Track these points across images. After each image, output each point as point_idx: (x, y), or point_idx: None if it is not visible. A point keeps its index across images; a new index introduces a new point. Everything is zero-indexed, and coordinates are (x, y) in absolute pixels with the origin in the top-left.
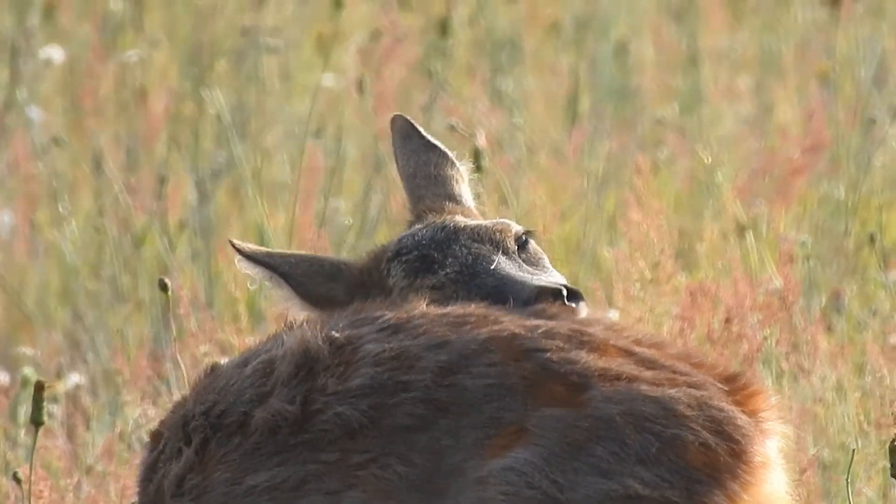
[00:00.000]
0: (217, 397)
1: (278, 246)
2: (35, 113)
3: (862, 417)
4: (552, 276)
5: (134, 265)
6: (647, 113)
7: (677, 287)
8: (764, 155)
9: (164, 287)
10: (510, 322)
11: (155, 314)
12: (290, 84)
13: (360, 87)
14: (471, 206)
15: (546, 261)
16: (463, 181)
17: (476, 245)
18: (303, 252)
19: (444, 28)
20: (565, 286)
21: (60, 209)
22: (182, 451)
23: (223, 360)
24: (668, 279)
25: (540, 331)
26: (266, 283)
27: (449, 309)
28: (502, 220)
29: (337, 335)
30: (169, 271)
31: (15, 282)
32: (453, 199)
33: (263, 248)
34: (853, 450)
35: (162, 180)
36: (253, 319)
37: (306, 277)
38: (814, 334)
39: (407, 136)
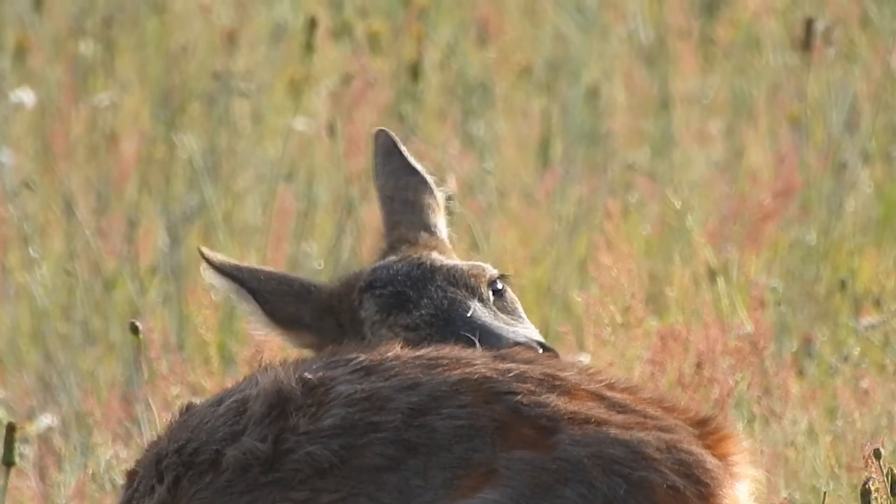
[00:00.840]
0: (190, 435)
1: None
2: (6, 156)
3: (833, 461)
4: (527, 329)
5: (105, 308)
6: (618, 157)
7: (648, 331)
8: (735, 199)
9: (135, 330)
10: (482, 365)
11: (126, 356)
12: (261, 127)
13: (332, 130)
14: (444, 237)
15: (520, 309)
16: (439, 210)
17: (452, 289)
18: (272, 269)
19: (415, 72)
20: (540, 343)
21: (31, 252)
22: (155, 489)
23: (196, 401)
24: (639, 323)
25: (511, 374)
26: (232, 296)
27: (422, 351)
28: (477, 263)
29: (310, 376)
30: (140, 314)
31: None
32: (428, 229)
33: (233, 261)
34: (824, 493)
35: (133, 224)
36: (224, 362)
37: (274, 296)
38: (785, 379)
39: (389, 154)
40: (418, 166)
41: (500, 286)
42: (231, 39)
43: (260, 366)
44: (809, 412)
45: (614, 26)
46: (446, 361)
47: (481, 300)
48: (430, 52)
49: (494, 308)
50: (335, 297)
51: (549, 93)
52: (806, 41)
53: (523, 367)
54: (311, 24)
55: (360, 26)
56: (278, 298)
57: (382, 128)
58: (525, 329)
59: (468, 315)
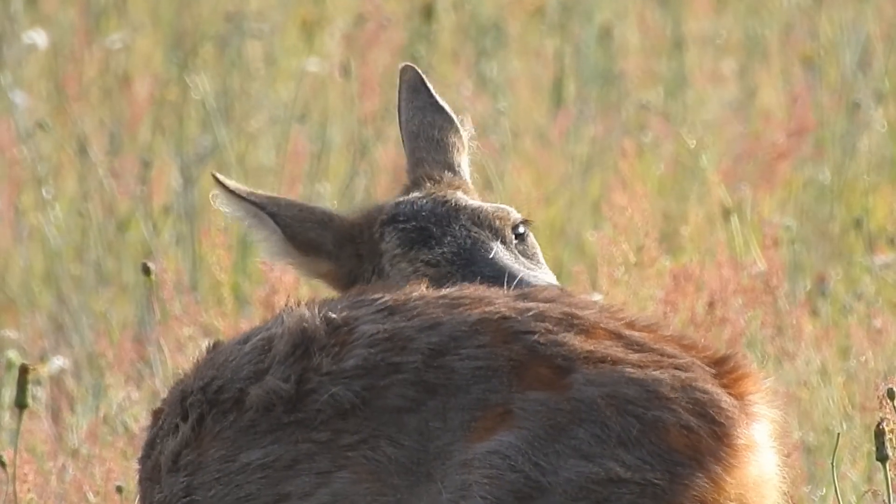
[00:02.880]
0: (215, 373)
1: None
2: (19, 97)
3: (846, 401)
4: (545, 274)
5: (118, 249)
6: (631, 97)
7: (661, 271)
8: (748, 139)
9: (147, 271)
10: (502, 304)
11: (139, 298)
12: (274, 69)
13: (345, 71)
14: (467, 178)
15: (540, 255)
16: (464, 150)
17: (476, 229)
18: (291, 198)
19: (428, 13)
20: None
21: (44, 193)
22: (179, 427)
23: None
24: (653, 263)
25: (531, 313)
26: (246, 222)
27: (446, 291)
28: (502, 206)
29: (334, 316)
30: (153, 255)
31: None
32: (452, 168)
33: (247, 187)
34: (838, 433)
35: (146, 165)
36: (237, 303)
37: (295, 220)
38: (798, 318)
39: (415, 90)
40: (445, 105)
41: (522, 230)
42: None
43: (287, 304)
44: (822, 352)
45: None
46: (468, 301)
47: (504, 242)
48: None
49: (516, 251)
50: (356, 227)
51: (562, 33)
52: None
53: (543, 306)
54: None
55: None
56: (299, 224)
57: (409, 63)
58: (544, 274)
59: (490, 256)
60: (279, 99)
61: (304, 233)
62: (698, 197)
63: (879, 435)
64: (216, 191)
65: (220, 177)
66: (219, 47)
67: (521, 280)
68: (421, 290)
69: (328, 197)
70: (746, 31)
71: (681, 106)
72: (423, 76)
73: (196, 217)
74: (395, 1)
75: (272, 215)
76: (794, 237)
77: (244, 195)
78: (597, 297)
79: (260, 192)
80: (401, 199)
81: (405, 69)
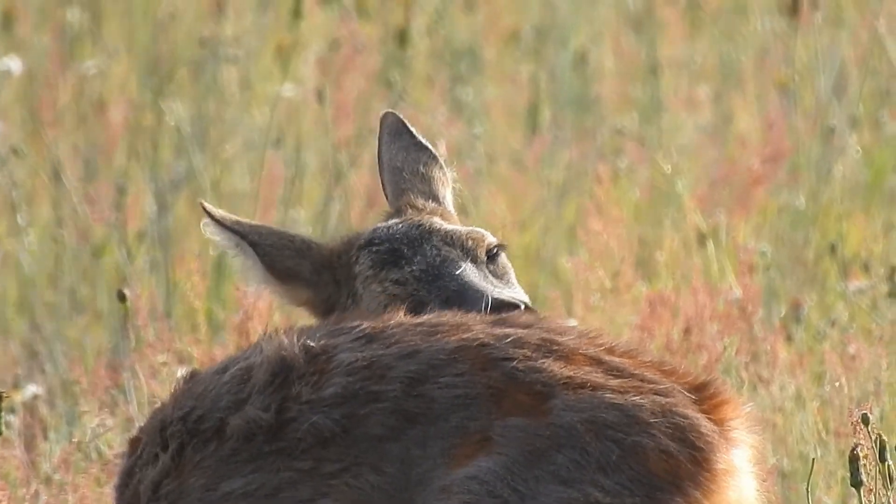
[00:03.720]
0: (195, 403)
1: None
2: None
3: (821, 427)
4: (514, 292)
5: (92, 275)
6: (606, 122)
7: (637, 297)
8: (724, 164)
9: (122, 297)
10: (481, 331)
11: (113, 324)
12: (249, 94)
13: (320, 97)
14: (451, 210)
15: (512, 276)
16: (448, 185)
17: (447, 248)
18: (273, 226)
19: (403, 38)
20: (524, 302)
21: (19, 220)
22: (159, 457)
23: (181, 371)
24: (628, 289)
25: (509, 339)
26: (231, 251)
27: (424, 318)
28: (477, 229)
29: (313, 344)
30: (127, 282)
31: None
32: (436, 199)
33: (233, 216)
34: (812, 459)
35: (121, 191)
36: (211, 329)
37: (275, 249)
38: (773, 344)
39: (397, 133)
40: (428, 144)
41: (495, 251)
42: (219, 6)
43: (265, 333)
44: (797, 377)
45: None
46: (446, 328)
47: (474, 261)
48: (417, 17)
49: (486, 271)
50: (334, 254)
51: (537, 58)
52: (793, 6)
53: (521, 332)
54: None
55: None
56: (279, 252)
57: (391, 111)
58: (511, 290)
59: (457, 272)
60: (254, 124)
61: (282, 261)
62: (674, 222)
63: (854, 460)
64: (206, 219)
65: (208, 206)
66: (194, 73)
67: (483, 294)
68: (399, 317)
69: (303, 222)
70: (721, 57)
71: (656, 131)
72: (405, 121)
73: (171, 243)
74: (370, 26)
75: (252, 244)
76: (769, 263)
77: (228, 224)
78: (572, 322)
79: (245, 221)
80: (378, 225)
81: (386, 115)
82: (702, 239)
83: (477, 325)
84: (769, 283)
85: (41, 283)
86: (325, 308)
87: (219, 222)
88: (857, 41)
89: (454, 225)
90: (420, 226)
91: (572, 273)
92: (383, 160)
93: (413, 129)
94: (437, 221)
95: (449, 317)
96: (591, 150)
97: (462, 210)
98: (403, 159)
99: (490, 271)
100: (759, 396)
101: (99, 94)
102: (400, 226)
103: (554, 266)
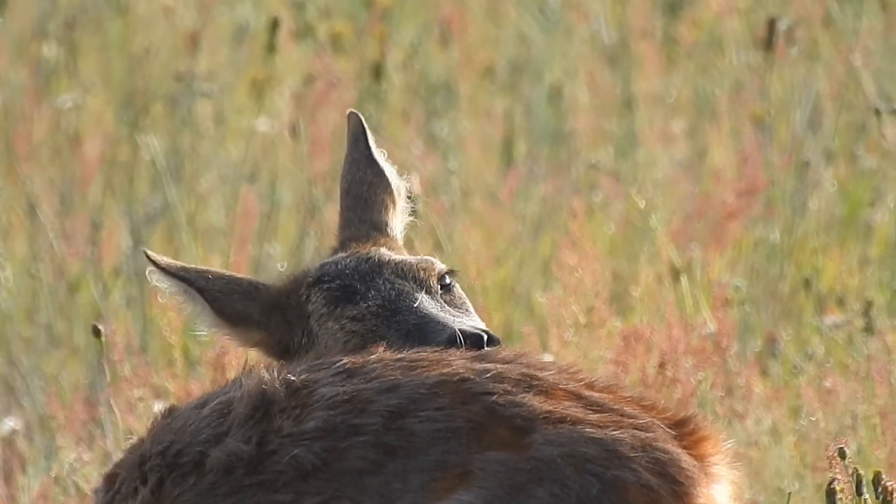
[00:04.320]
0: (174, 437)
1: None
2: None
3: (797, 461)
4: (473, 321)
5: (68, 311)
6: (581, 156)
7: (612, 332)
8: (698, 198)
9: (97, 333)
10: (461, 366)
11: (90, 360)
12: (224, 128)
13: (294, 131)
14: (396, 235)
15: (468, 304)
16: (394, 206)
17: (399, 281)
18: (219, 269)
19: (378, 72)
20: (485, 331)
21: None
22: (138, 491)
23: (157, 406)
24: (603, 324)
25: (489, 374)
26: (178, 297)
27: (404, 353)
28: (426, 257)
29: (294, 378)
30: (103, 317)
31: None
32: (379, 228)
33: (179, 263)
34: (789, 493)
35: (96, 225)
36: (187, 364)
37: (222, 294)
38: (748, 378)
39: (355, 139)
40: (379, 157)
41: (448, 280)
42: (193, 41)
43: (244, 369)
44: (773, 412)
45: (577, 26)
46: (426, 363)
47: (429, 292)
48: (393, 52)
49: (442, 301)
50: (283, 293)
51: (512, 93)
52: (769, 41)
53: (502, 367)
54: (274, 24)
55: (323, 27)
56: (226, 297)
57: (354, 111)
58: (471, 321)
59: (415, 305)
60: (229, 158)
61: (231, 305)
62: (648, 257)
63: (830, 494)
64: (151, 267)
65: (152, 254)
66: (169, 107)
67: (444, 327)
68: (379, 352)
69: (278, 257)
70: (696, 91)
71: (631, 165)
72: (365, 125)
73: (146, 279)
74: (345, 60)
75: (200, 290)
76: (744, 297)
77: (173, 271)
78: (547, 358)
79: (191, 267)
80: (325, 261)
81: (350, 115)
82: (676, 273)
83: (457, 361)
84: (744, 318)
85: (18, 317)
86: (278, 349)
87: (164, 270)
88: (833, 75)
89: (402, 255)
90: (369, 259)
91: (547, 308)
92: (342, 173)
93: (369, 137)
94: (385, 252)
95: (429, 352)
96: (566, 185)
97: (437, 245)
98: (351, 179)
99: (446, 301)
100: (734, 431)
101: (74, 128)
102: (349, 260)
103: (529, 301)
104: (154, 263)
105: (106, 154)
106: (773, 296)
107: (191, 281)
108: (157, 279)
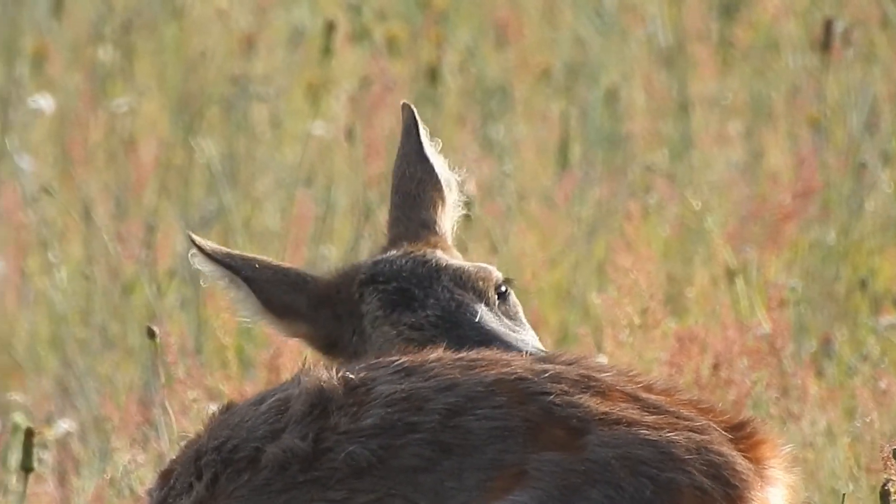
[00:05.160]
0: (230, 433)
1: None
2: (25, 162)
3: (852, 462)
4: (528, 335)
5: (123, 313)
6: (637, 159)
7: (666, 333)
8: (754, 201)
9: (151, 334)
10: (519, 366)
11: (144, 361)
12: (279, 132)
13: (350, 135)
14: (446, 234)
15: (521, 314)
16: (443, 204)
17: (459, 291)
18: (265, 258)
19: (433, 76)
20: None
21: (50, 257)
22: (193, 486)
23: (211, 407)
24: (657, 325)
25: (547, 374)
26: (221, 283)
27: (463, 353)
28: (483, 265)
29: (352, 376)
30: (157, 319)
31: (5, 329)
32: (428, 226)
33: (224, 249)
34: (843, 494)
35: (151, 228)
36: (241, 366)
37: (269, 284)
38: (803, 379)
39: (407, 133)
40: (429, 151)
41: (504, 290)
42: (249, 44)
43: (303, 367)
44: (828, 413)
45: (633, 29)
46: (485, 362)
47: (487, 304)
48: (448, 55)
49: (499, 312)
50: (333, 287)
51: (567, 96)
52: (825, 42)
53: (560, 367)
54: (330, 27)
55: (379, 30)
56: (274, 287)
57: (407, 102)
58: (527, 335)
59: (476, 320)
60: (285, 162)
61: (278, 296)
62: (703, 259)
63: (885, 496)
64: (194, 250)
65: (197, 238)
66: (224, 111)
67: (508, 345)
68: (438, 352)
69: (333, 260)
70: (752, 93)
71: (686, 168)
72: (418, 119)
73: (200, 281)
74: (401, 64)
75: (246, 279)
76: (800, 298)
77: (219, 258)
78: (602, 359)
79: (236, 253)
80: (378, 258)
81: (404, 106)
82: (731, 275)
83: (516, 361)
84: (799, 319)
85: (73, 320)
86: (324, 342)
87: (209, 255)
88: (889, 77)
89: (458, 260)
90: (426, 262)
91: (602, 310)
92: (393, 168)
93: (421, 131)
94: (441, 256)
95: (488, 353)
96: (622, 187)
97: (492, 249)
98: (401, 175)
99: (502, 311)
100: (789, 432)
101: (130, 132)
102: (404, 261)
103: (583, 303)
104: (198, 247)
105: (161, 158)
106: (828, 297)
107: (237, 269)
108: (199, 263)
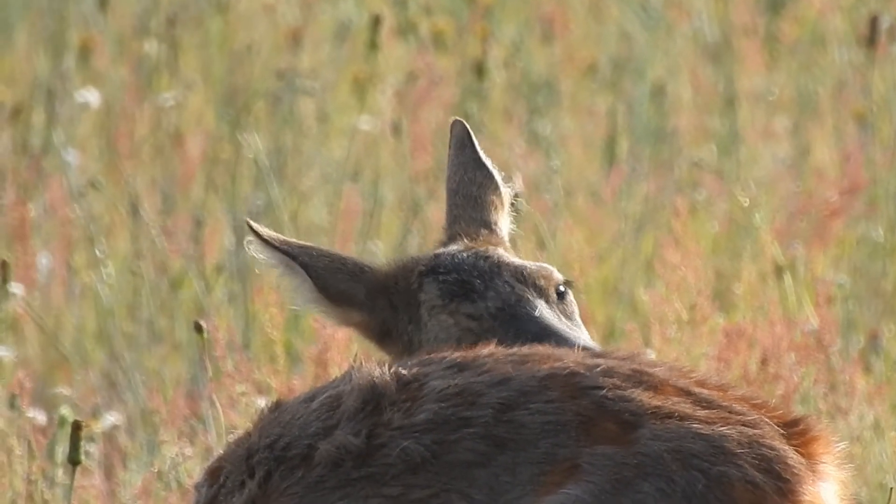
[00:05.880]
0: (282, 430)
1: None
2: (72, 156)
3: None
4: (584, 335)
5: (170, 307)
6: (684, 155)
7: (714, 329)
8: (801, 196)
9: (199, 329)
10: (571, 360)
11: (191, 355)
12: (326, 126)
13: (397, 129)
14: (505, 236)
15: (578, 315)
16: (502, 208)
17: (520, 286)
18: (322, 246)
19: (480, 70)
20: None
21: (97, 252)
22: (245, 484)
23: (259, 402)
24: (705, 321)
25: (599, 369)
26: (278, 270)
27: (515, 348)
28: (545, 265)
29: (405, 372)
30: (205, 313)
31: (52, 323)
32: (488, 226)
33: (281, 236)
34: (891, 488)
35: (199, 223)
36: (290, 360)
37: (326, 271)
38: (851, 374)
39: (461, 146)
40: (487, 161)
41: (563, 290)
42: (295, 38)
43: (354, 363)
44: (875, 407)
45: (679, 24)
46: (537, 357)
47: (547, 301)
48: (494, 50)
49: (557, 311)
50: (391, 278)
51: (614, 91)
52: (871, 37)
53: (612, 362)
54: (376, 22)
55: (425, 24)
56: (331, 275)
57: (459, 118)
58: (583, 334)
59: (535, 314)
60: (331, 157)
61: (335, 284)
62: (751, 255)
63: None
64: (250, 237)
65: (254, 224)
66: (271, 105)
67: (566, 340)
68: (490, 347)
69: (381, 255)
70: (799, 89)
71: (734, 163)
72: (471, 131)
73: (248, 275)
74: (447, 58)
75: (304, 266)
76: (847, 294)
77: (277, 244)
78: (650, 354)
79: (293, 241)
80: (439, 251)
81: (455, 123)
82: (779, 271)
83: (568, 356)
84: (847, 315)
85: (120, 314)
86: (379, 331)
87: (266, 242)
88: None
89: (518, 258)
90: (487, 257)
91: (649, 305)
92: (447, 176)
93: (475, 142)
94: (503, 254)
95: (540, 348)
96: (669, 183)
97: (539, 244)
98: (459, 180)
99: (560, 311)
100: (837, 427)
101: (176, 126)
102: (465, 255)
103: (631, 298)
104: (256, 234)
105: (208, 152)
106: (875, 293)
107: (294, 255)
108: (255, 249)
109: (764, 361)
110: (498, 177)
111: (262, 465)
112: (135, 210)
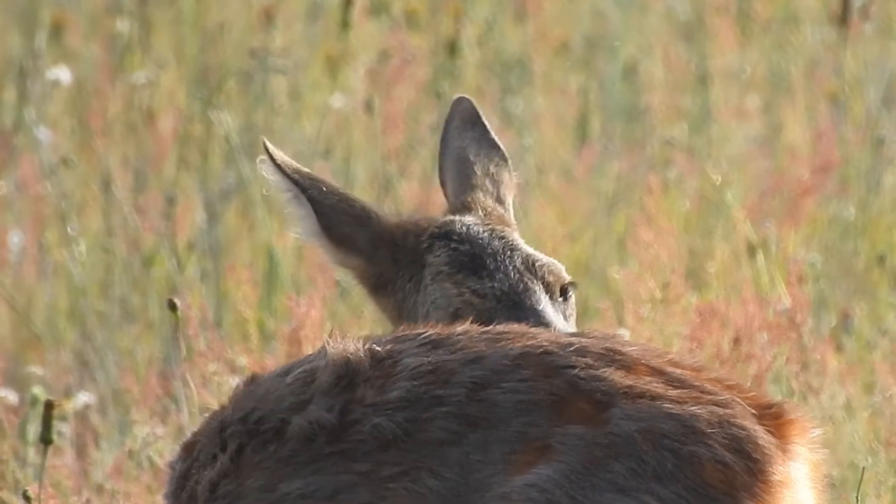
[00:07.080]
0: (256, 404)
1: (287, 267)
2: (43, 134)
3: (871, 436)
4: None
5: (143, 285)
6: (656, 133)
7: (687, 307)
8: (773, 175)
9: (173, 307)
10: (545, 339)
11: (164, 334)
12: (298, 104)
13: (369, 107)
14: (513, 218)
15: (574, 319)
16: (513, 191)
17: (529, 276)
18: (335, 183)
19: (452, 49)
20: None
21: (69, 230)
22: (217, 458)
23: (232, 380)
24: (678, 300)
25: (572, 348)
26: (285, 197)
27: (490, 327)
28: (555, 261)
29: (378, 348)
30: (178, 291)
31: (24, 302)
32: (503, 203)
33: (295, 163)
34: (863, 468)
35: (171, 201)
36: (262, 339)
37: (333, 210)
38: (823, 354)
39: (470, 122)
40: (500, 144)
41: (568, 290)
42: (268, 16)
43: (329, 338)
44: (847, 387)
45: (652, 2)
46: (511, 335)
47: (552, 298)
48: (467, 28)
49: (559, 309)
50: (399, 231)
51: (587, 69)
52: (843, 16)
53: (586, 341)
54: (348, 0)
55: (398, 3)
56: (337, 216)
57: (465, 96)
58: None
59: (539, 307)
60: (303, 135)
61: (339, 225)
62: (724, 233)
63: None
64: (263, 157)
65: (270, 147)
66: (243, 83)
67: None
68: (465, 325)
69: None
70: (771, 67)
71: (706, 142)
72: (480, 112)
73: (221, 253)
74: (420, 37)
75: (311, 200)
76: (819, 273)
77: (288, 171)
78: (623, 333)
79: (306, 171)
80: (454, 217)
81: (460, 100)
82: (752, 250)
83: (542, 335)
84: (819, 294)
85: (92, 292)
86: (374, 282)
87: (279, 166)
88: None
89: (532, 249)
90: (503, 238)
91: (622, 284)
92: (450, 146)
93: (486, 123)
94: (517, 238)
95: (514, 326)
96: (641, 161)
97: None
98: (476, 153)
99: (562, 311)
100: (808, 406)
101: (148, 104)
102: (481, 230)
103: (604, 277)
104: (270, 157)
105: (180, 130)
106: (847, 272)
107: (304, 187)
108: (267, 171)
109: (736, 341)
110: (510, 163)
111: (234, 439)
112: (107, 188)
